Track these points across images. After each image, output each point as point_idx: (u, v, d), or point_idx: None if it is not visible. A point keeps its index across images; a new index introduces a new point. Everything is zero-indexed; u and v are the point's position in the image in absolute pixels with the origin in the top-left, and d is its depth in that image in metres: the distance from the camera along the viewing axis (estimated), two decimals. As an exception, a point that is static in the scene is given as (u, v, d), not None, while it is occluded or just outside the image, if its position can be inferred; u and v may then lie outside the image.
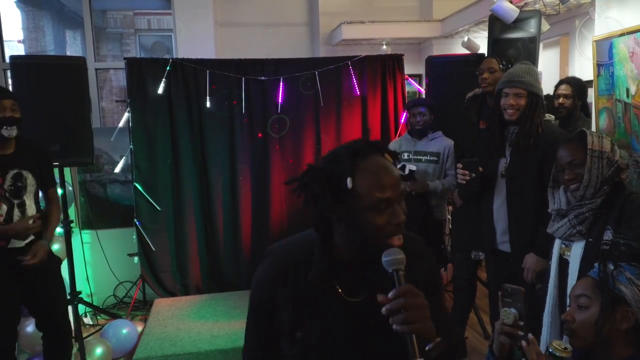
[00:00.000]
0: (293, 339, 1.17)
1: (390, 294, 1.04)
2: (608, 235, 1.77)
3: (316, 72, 4.39)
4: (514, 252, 2.50)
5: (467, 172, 2.55)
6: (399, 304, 1.03)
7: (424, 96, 4.77)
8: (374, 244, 1.11)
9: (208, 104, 4.25)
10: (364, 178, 1.10)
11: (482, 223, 2.67)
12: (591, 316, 1.40)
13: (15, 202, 2.53)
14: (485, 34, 3.69)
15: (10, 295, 2.56)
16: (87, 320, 4.09)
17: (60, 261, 2.97)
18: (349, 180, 1.10)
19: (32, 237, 2.62)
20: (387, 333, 1.05)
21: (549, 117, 2.58)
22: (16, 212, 2.54)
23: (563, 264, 1.92)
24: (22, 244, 2.56)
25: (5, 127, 2.45)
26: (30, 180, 2.59)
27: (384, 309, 1.04)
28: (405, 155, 3.56)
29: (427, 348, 1.04)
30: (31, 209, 2.60)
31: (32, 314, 2.79)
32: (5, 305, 2.55)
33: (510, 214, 2.52)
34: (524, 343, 1.38)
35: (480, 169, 2.55)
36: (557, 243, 1.96)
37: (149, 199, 4.24)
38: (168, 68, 4.18)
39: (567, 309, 1.51)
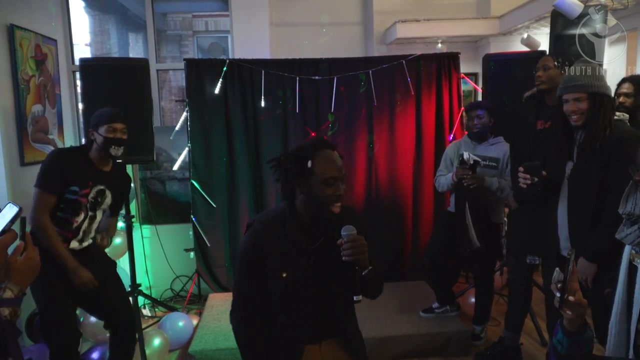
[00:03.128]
0: (280, 278, 1.70)
1: (344, 240, 1.60)
2: None
3: (370, 72, 4.37)
4: (576, 258, 2.40)
5: (528, 176, 2.46)
6: (349, 244, 1.59)
7: (480, 96, 4.66)
8: (323, 209, 1.66)
9: (263, 104, 4.32)
10: (319, 162, 1.64)
11: (547, 228, 2.58)
12: None
13: (90, 214, 2.69)
14: (546, 30, 3.57)
15: (68, 298, 2.68)
16: (146, 311, 4.26)
17: (115, 264, 3.08)
18: (309, 162, 1.64)
19: (90, 242, 2.74)
20: (337, 267, 1.65)
21: (623, 116, 2.42)
22: (85, 223, 2.68)
23: (633, 270, 1.82)
24: (78, 247, 2.67)
25: (114, 147, 2.66)
26: (108, 199, 2.75)
27: (340, 242, 1.60)
28: None
29: (363, 273, 1.61)
30: (96, 224, 2.76)
31: (97, 314, 2.90)
32: (66, 307, 2.67)
33: (571, 218, 2.42)
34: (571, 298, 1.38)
35: (544, 173, 2.46)
36: (627, 248, 1.87)
37: (205, 196, 4.37)
38: (225, 68, 4.28)
39: (635, 317, 1.44)
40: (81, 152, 2.70)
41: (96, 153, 2.69)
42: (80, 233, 2.67)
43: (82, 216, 2.65)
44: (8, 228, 1.36)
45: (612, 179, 2.24)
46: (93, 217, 2.71)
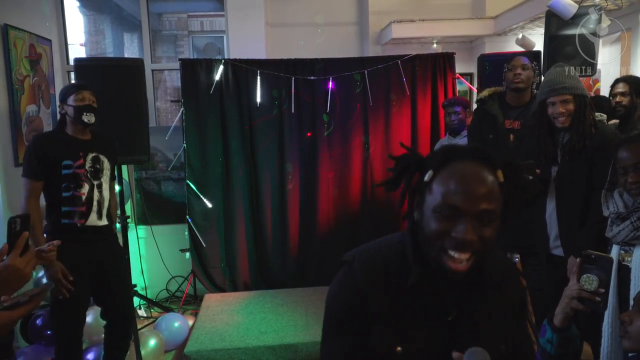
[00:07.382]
0: (393, 353, 1.05)
1: None
2: None
3: (365, 72, 4.38)
4: (567, 257, 2.44)
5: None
6: None
7: (475, 96, 4.67)
8: (432, 253, 1.01)
9: (258, 104, 4.32)
10: (444, 177, 1.00)
11: (535, 228, 2.63)
12: None
13: (95, 183, 2.72)
14: (541, 30, 3.58)
15: (83, 278, 2.66)
16: (142, 312, 4.25)
17: (124, 251, 3.10)
18: (428, 173, 1.02)
19: (106, 221, 2.76)
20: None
21: (601, 116, 2.52)
22: (95, 193, 2.72)
23: (623, 270, 1.83)
24: (100, 223, 2.72)
25: (85, 114, 2.66)
26: (106, 164, 2.79)
27: None
28: None
29: None
30: (106, 192, 2.79)
31: (98, 301, 2.89)
32: (79, 288, 2.64)
33: (561, 218, 2.48)
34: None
35: (538, 171, 2.49)
36: (615, 249, 1.88)
37: (201, 196, 4.36)
38: (220, 69, 4.28)
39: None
40: (59, 131, 2.73)
41: (72, 126, 2.70)
42: (94, 204, 2.70)
43: (86, 187, 2.67)
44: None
45: (597, 179, 2.30)
46: (100, 185, 2.75)
